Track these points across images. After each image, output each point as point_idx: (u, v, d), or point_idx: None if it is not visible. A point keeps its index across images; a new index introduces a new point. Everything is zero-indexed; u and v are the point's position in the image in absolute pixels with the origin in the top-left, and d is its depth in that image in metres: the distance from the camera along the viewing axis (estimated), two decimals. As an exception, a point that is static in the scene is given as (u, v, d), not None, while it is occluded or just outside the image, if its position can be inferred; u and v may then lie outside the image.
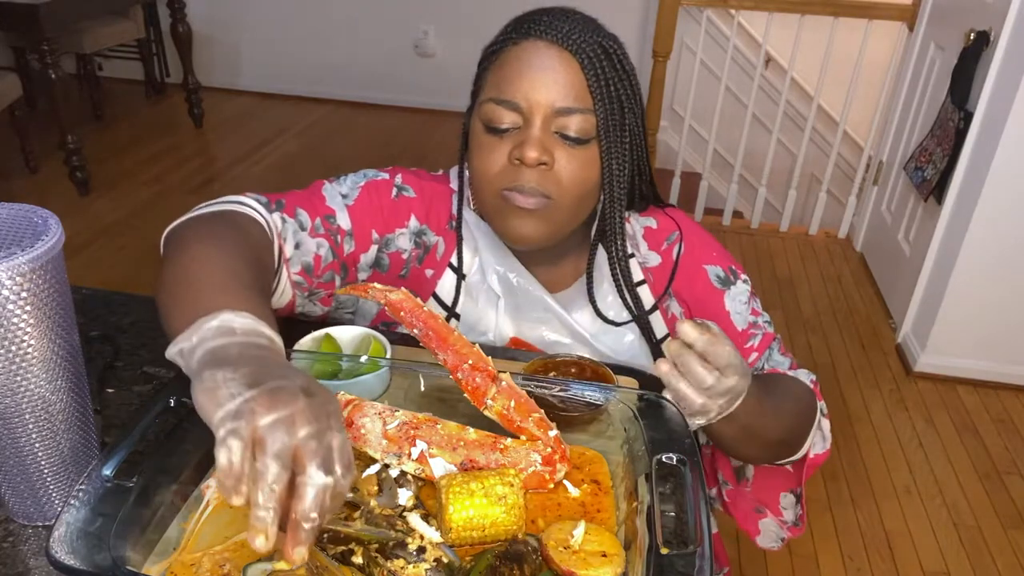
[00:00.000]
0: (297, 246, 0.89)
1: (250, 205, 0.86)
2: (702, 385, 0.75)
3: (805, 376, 0.98)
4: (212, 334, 0.59)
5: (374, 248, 0.97)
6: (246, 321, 0.61)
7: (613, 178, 0.91)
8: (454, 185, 1.01)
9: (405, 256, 0.99)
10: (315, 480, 0.51)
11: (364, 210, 0.95)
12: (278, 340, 0.62)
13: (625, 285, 0.98)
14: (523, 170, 0.87)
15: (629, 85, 0.89)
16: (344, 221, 0.94)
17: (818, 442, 0.97)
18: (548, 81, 0.85)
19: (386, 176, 0.99)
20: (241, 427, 0.51)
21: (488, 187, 0.90)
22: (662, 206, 1.04)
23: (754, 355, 1.00)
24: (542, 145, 0.86)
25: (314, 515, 0.51)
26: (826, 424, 0.97)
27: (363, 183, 0.97)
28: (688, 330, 0.73)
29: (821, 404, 0.97)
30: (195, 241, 0.75)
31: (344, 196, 0.95)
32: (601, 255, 0.98)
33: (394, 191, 0.98)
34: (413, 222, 0.99)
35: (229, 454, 0.50)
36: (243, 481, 0.51)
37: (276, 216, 0.88)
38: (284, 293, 0.89)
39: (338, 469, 0.52)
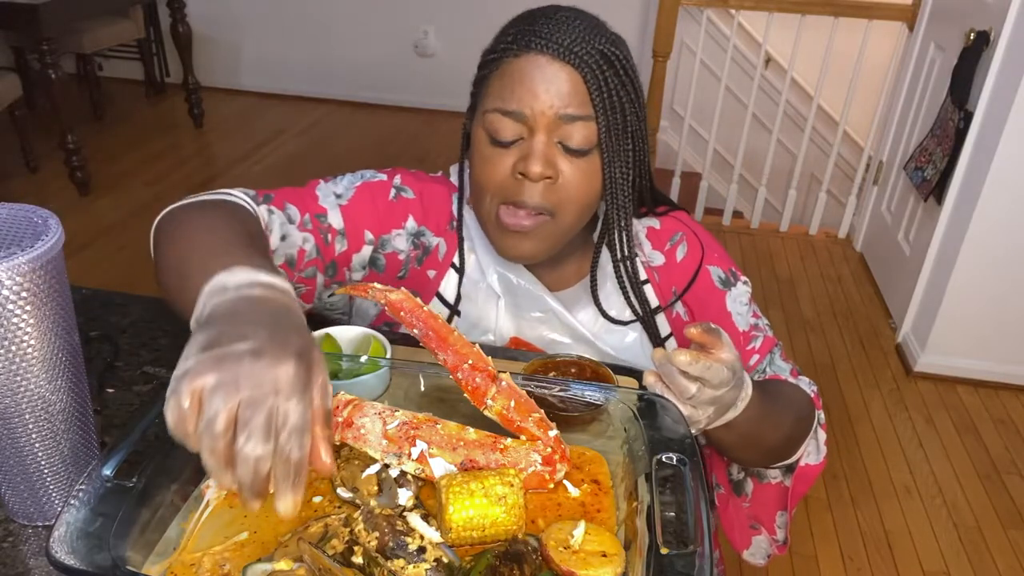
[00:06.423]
0: (283, 238, 0.90)
1: (239, 196, 0.88)
2: (684, 395, 0.75)
3: (806, 385, 0.98)
4: (206, 297, 0.61)
5: (368, 248, 0.97)
6: (240, 276, 0.61)
7: (616, 186, 0.90)
8: (455, 181, 1.01)
9: (402, 257, 0.99)
10: (243, 450, 0.51)
11: (358, 210, 0.96)
12: (280, 282, 0.63)
13: (631, 286, 0.97)
14: (526, 184, 0.87)
15: (632, 89, 0.88)
16: (336, 220, 0.94)
17: (812, 452, 0.97)
18: (552, 92, 0.85)
19: (384, 177, 0.99)
20: (183, 387, 0.52)
21: (489, 199, 0.90)
22: (666, 210, 1.03)
23: (755, 357, 0.99)
24: (546, 159, 0.86)
25: (248, 480, 0.51)
26: (822, 435, 0.97)
27: (359, 183, 0.98)
28: (680, 358, 0.72)
29: (819, 413, 0.97)
30: (190, 221, 0.78)
31: (338, 196, 0.96)
32: (604, 256, 0.98)
33: (392, 192, 0.99)
34: (411, 223, 0.99)
35: (169, 412, 0.53)
36: (190, 438, 0.53)
37: (263, 208, 0.90)
38: None
39: (281, 437, 0.52)
